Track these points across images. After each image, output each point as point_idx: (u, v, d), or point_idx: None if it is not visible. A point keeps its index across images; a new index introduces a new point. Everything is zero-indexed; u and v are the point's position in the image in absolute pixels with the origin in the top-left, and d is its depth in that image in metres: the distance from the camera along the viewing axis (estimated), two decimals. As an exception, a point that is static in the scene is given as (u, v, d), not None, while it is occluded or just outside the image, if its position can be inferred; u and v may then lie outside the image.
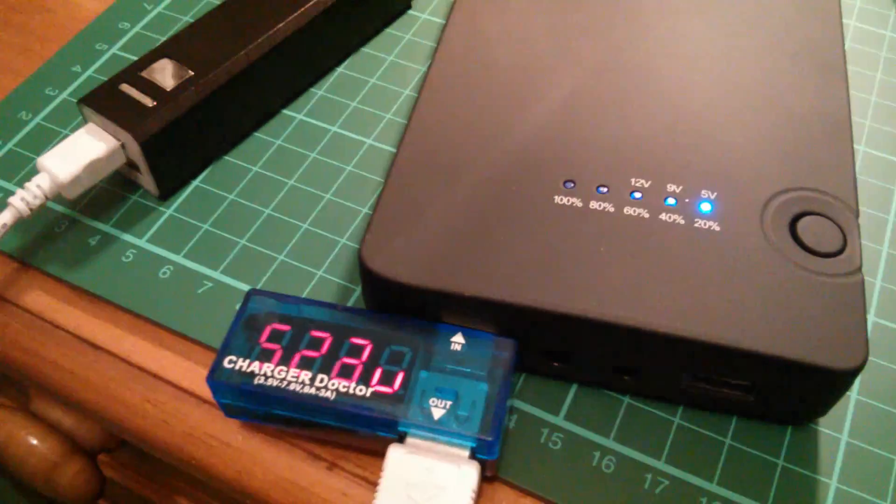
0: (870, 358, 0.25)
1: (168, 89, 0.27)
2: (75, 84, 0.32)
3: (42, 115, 0.31)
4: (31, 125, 0.30)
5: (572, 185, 0.24)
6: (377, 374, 0.22)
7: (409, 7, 0.34)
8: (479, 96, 0.26)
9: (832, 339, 0.21)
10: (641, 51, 0.28)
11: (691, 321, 0.21)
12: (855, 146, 0.30)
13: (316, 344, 0.22)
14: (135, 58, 0.32)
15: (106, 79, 0.31)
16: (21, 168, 0.29)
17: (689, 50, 0.28)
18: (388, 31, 0.33)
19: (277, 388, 0.22)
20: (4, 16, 0.35)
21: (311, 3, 0.29)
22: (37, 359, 0.26)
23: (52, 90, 0.32)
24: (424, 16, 0.34)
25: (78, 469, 0.33)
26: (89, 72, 0.32)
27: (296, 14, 0.29)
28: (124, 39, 0.33)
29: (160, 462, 0.26)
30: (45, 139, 0.30)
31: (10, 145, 0.30)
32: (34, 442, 0.33)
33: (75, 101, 0.31)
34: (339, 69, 0.32)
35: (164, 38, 0.33)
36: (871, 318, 0.26)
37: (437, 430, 0.21)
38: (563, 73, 0.27)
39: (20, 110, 0.31)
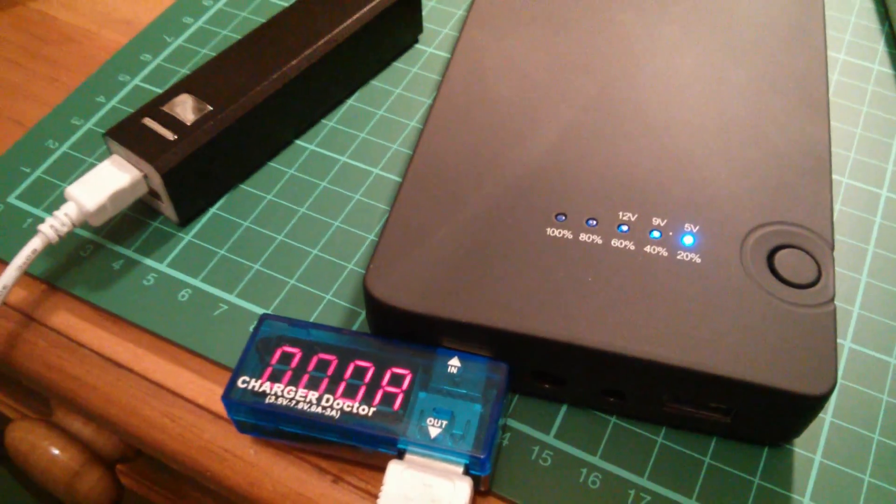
0: (844, 382, 0.26)
1: (188, 123, 0.28)
2: (99, 114, 0.33)
3: (68, 143, 0.33)
4: (58, 153, 0.32)
5: (563, 217, 0.25)
6: (379, 394, 0.23)
7: (416, 41, 0.36)
8: (479, 130, 0.28)
9: (804, 366, 0.22)
10: (632, 88, 0.29)
11: (672, 348, 0.23)
12: (839, 178, 0.31)
13: (323, 366, 0.24)
14: (156, 89, 0.34)
15: (129, 110, 0.33)
16: (48, 195, 0.31)
17: (677, 86, 0.29)
18: (396, 64, 0.35)
19: (287, 406, 0.23)
20: (33, 47, 0.37)
21: (323, 40, 0.31)
22: (62, 375, 0.27)
23: (78, 120, 0.33)
24: (430, 49, 0.36)
25: (97, 478, 0.34)
26: (113, 102, 0.34)
27: (309, 51, 0.31)
28: (146, 71, 0.35)
29: (175, 472, 0.28)
30: (70, 167, 0.32)
31: (38, 173, 0.32)
32: (56, 452, 0.34)
33: (100, 130, 0.33)
34: (349, 101, 0.34)
35: (183, 70, 0.35)
36: (847, 344, 0.27)
37: (433, 448, 0.23)
38: (558, 109, 0.28)
39: (48, 139, 0.33)
